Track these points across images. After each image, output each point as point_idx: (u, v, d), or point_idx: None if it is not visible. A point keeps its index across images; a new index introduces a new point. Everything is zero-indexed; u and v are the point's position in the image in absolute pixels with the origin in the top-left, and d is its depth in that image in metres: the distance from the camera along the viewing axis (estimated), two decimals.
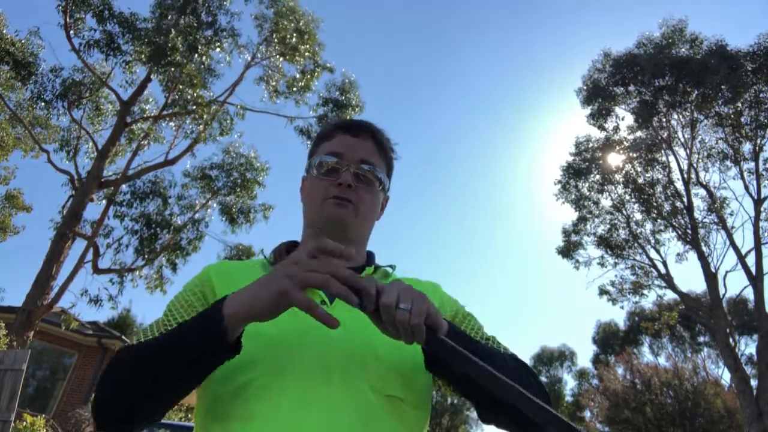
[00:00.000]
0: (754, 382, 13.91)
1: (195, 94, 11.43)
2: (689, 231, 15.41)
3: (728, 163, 15.59)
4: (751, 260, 14.28)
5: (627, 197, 16.75)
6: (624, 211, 16.78)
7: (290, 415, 0.75)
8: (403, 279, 1.03)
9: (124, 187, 12.15)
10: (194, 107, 11.83)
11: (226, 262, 1.01)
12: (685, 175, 15.83)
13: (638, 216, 16.74)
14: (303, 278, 0.66)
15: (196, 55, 11.42)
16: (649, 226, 16.56)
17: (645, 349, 30.14)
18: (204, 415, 0.82)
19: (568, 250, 17.49)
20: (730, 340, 14.26)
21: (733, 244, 14.71)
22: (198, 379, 0.75)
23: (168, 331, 0.78)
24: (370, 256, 1.07)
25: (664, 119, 16.05)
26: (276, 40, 13.20)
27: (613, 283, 16.93)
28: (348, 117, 13.59)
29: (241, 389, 0.78)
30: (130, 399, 0.74)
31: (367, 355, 0.81)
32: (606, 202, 17.12)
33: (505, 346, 0.95)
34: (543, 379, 38.94)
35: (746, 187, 15.21)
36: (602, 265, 17.04)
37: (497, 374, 0.65)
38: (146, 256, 12.00)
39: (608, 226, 16.97)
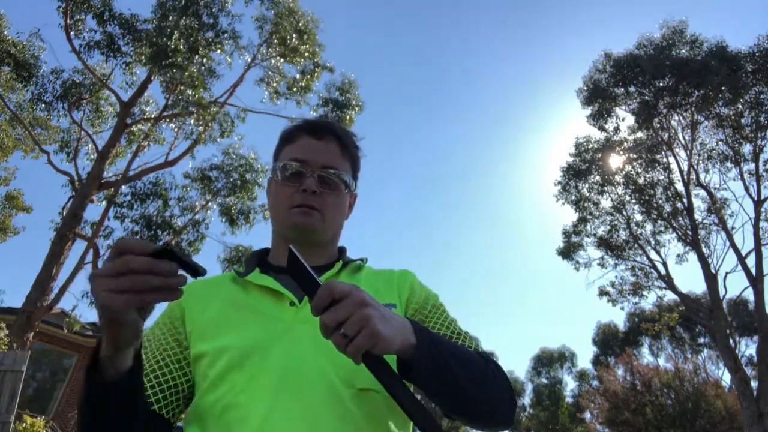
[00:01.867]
0: (754, 384, 13.89)
1: (196, 96, 11.44)
2: (689, 232, 15.41)
3: (728, 164, 15.60)
4: (751, 261, 14.30)
5: (627, 198, 16.75)
6: (624, 212, 16.78)
7: (263, 414, 0.76)
8: (376, 270, 1.05)
9: (124, 188, 12.15)
10: (195, 109, 11.84)
11: (193, 283, 1.01)
12: (686, 177, 15.83)
13: (638, 217, 16.75)
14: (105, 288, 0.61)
15: (197, 57, 11.43)
16: (649, 227, 16.57)
17: (645, 350, 30.15)
18: (187, 416, 0.86)
19: (568, 251, 17.49)
20: (731, 341, 14.25)
21: (733, 245, 14.71)
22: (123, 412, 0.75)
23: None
24: (342, 251, 1.09)
25: (664, 120, 16.06)
26: (276, 41, 13.21)
27: (613, 284, 16.93)
28: (348, 117, 13.60)
29: (212, 390, 0.81)
30: None
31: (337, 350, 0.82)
32: (606, 203, 17.13)
33: (476, 343, 0.95)
34: (543, 380, 38.95)
35: (746, 189, 15.22)
36: (602, 266, 17.05)
37: (416, 401, 0.67)
38: None
39: (608, 227, 16.97)
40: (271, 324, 0.86)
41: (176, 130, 13.03)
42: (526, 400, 39.19)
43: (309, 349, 0.82)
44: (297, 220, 0.97)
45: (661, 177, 16.35)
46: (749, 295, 15.26)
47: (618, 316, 48.44)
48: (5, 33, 12.02)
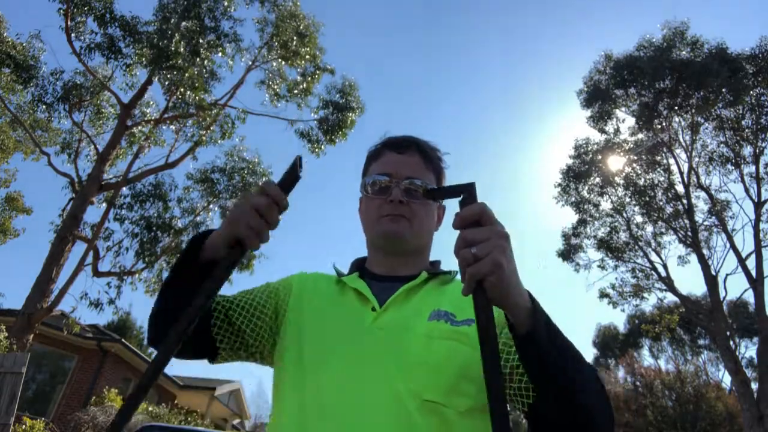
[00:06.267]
0: (755, 386, 13.88)
1: (197, 98, 11.44)
2: (690, 234, 15.40)
3: (729, 166, 15.60)
4: (751, 263, 14.30)
5: (627, 200, 16.74)
6: (624, 214, 16.77)
7: (325, 416, 0.80)
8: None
9: (124, 190, 12.15)
10: (195, 110, 11.85)
11: (306, 274, 1.13)
12: (686, 178, 15.83)
13: (639, 219, 16.75)
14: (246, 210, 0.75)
15: (198, 59, 11.44)
16: (649, 228, 16.56)
17: (645, 352, 30.10)
18: (273, 407, 0.93)
19: (568, 253, 17.47)
20: (731, 343, 14.24)
21: (733, 247, 14.71)
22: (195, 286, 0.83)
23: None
24: (435, 264, 1.13)
25: (664, 122, 16.06)
26: (277, 43, 13.22)
27: (613, 286, 16.91)
28: (350, 119, 13.61)
29: (282, 386, 0.90)
30: (166, 308, 0.87)
31: (409, 359, 0.84)
32: (606, 205, 17.12)
33: None
34: None
35: (747, 190, 15.24)
36: (602, 268, 17.02)
37: (497, 360, 0.65)
38: (146, 260, 11.98)
39: (608, 228, 16.96)
40: (351, 325, 0.92)
41: (177, 132, 13.04)
42: None
43: (379, 356, 0.85)
44: (386, 228, 1.03)
45: (662, 179, 16.36)
46: (749, 297, 15.25)
47: (618, 318, 48.44)
48: (5, 35, 12.03)
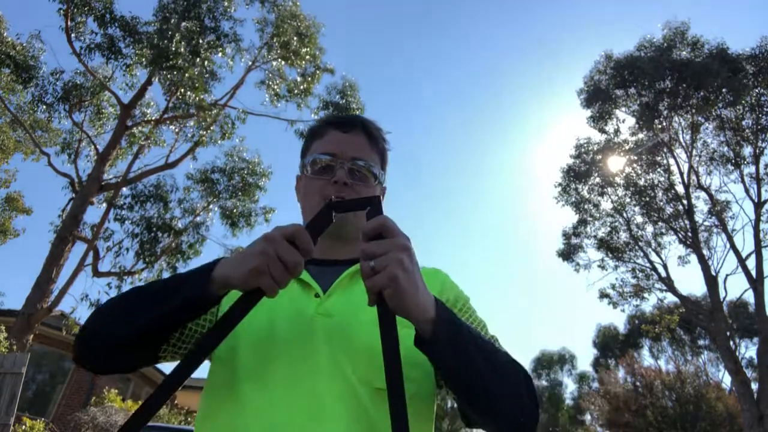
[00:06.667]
0: (754, 385, 13.88)
1: (197, 98, 11.45)
2: (690, 234, 15.41)
3: (729, 166, 15.60)
4: (751, 263, 14.30)
5: (627, 200, 16.75)
6: (624, 214, 16.78)
7: (277, 407, 0.76)
8: None
9: (125, 190, 12.16)
10: (195, 111, 11.85)
11: None
12: (686, 178, 15.84)
13: (639, 219, 16.75)
14: (273, 263, 0.68)
15: (198, 59, 11.45)
16: (650, 228, 16.56)
17: (645, 352, 30.12)
18: (202, 405, 0.86)
19: (568, 253, 17.47)
20: (731, 343, 14.24)
21: (733, 247, 14.71)
22: (174, 324, 0.77)
23: (163, 279, 0.82)
24: None
25: (665, 122, 16.06)
26: (277, 44, 13.23)
27: (613, 287, 16.91)
28: None
29: (231, 380, 0.81)
30: (111, 332, 0.78)
31: (357, 346, 0.82)
32: (606, 205, 17.13)
33: (506, 350, 0.92)
34: (543, 382, 38.89)
35: (747, 191, 15.24)
36: (603, 268, 17.03)
37: (399, 370, 0.66)
38: (146, 260, 11.99)
39: (609, 228, 16.96)
40: (295, 313, 0.86)
41: (177, 132, 13.05)
42: None
43: (325, 343, 0.82)
44: None
45: (662, 179, 16.36)
46: (749, 297, 15.26)
47: (618, 318, 48.45)
48: (5, 35, 12.03)
